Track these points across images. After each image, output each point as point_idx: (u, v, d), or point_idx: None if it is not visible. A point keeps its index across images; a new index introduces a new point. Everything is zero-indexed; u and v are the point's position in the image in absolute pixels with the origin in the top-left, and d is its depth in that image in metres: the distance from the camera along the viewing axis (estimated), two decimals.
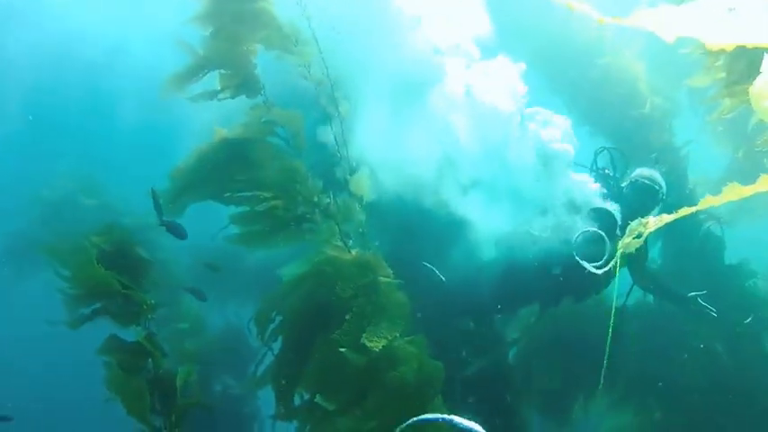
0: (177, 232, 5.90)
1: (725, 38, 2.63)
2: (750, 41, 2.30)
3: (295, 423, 5.01)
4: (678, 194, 7.97)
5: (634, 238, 3.16)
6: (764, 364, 7.64)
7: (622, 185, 6.58)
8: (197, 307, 10.47)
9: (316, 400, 4.64)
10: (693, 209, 2.85)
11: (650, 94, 8.47)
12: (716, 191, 7.91)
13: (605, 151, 6.79)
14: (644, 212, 6.34)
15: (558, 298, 6.75)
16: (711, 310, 6.64)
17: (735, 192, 2.55)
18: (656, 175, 6.45)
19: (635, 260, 6.70)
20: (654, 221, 3.13)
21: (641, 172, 6.50)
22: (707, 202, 2.69)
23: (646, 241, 6.38)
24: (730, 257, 8.16)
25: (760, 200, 8.87)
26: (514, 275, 6.38)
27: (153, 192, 5.44)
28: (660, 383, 7.89)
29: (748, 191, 2.56)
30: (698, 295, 6.72)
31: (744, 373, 7.55)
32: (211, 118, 5.90)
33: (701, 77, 5.38)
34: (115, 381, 4.72)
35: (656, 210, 6.39)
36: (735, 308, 7.70)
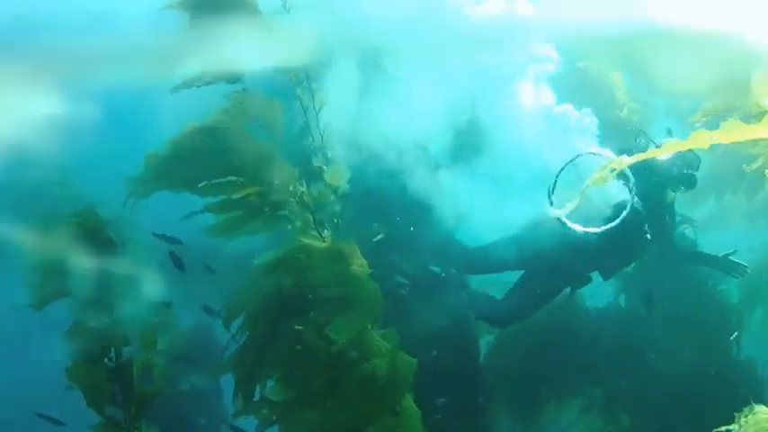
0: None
1: None
2: None
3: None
4: None
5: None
6: (733, 371, 7.56)
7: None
8: (169, 302, 10.24)
9: (272, 390, 4.43)
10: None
11: (627, 99, 8.38)
12: (692, 195, 7.69)
13: None
14: (681, 183, 6.27)
15: (589, 276, 6.64)
16: (745, 267, 6.56)
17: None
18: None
19: (663, 230, 6.55)
20: (626, 159, 3.03)
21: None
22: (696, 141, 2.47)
23: (674, 211, 6.37)
24: None
25: (731, 208, 8.83)
26: (548, 259, 6.35)
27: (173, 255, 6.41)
28: (625, 383, 7.79)
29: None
30: (730, 254, 6.62)
31: (713, 380, 7.46)
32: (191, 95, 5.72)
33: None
34: (75, 368, 4.46)
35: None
36: (706, 313, 7.64)
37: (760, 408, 2.78)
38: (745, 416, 2.75)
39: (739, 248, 6.88)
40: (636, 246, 6.20)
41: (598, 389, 8.04)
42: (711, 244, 7.38)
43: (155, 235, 6.80)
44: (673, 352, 7.72)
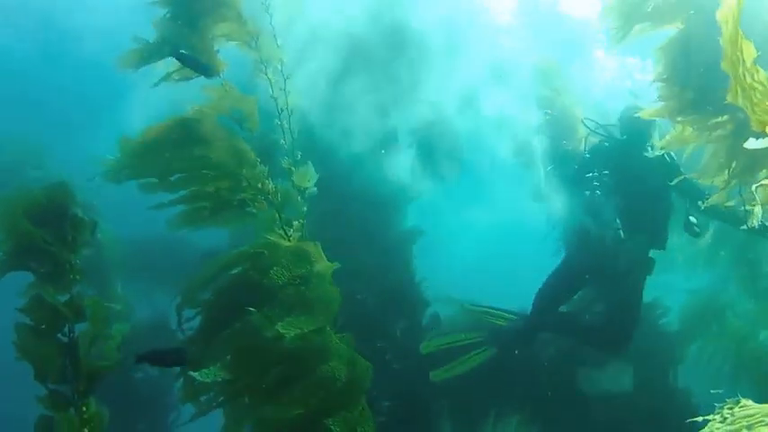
0: None
1: None
2: None
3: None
4: None
5: None
6: (670, 398, 7.57)
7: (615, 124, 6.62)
8: (126, 292, 10.06)
9: (208, 372, 4.19)
10: None
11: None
12: None
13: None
14: (641, 140, 6.29)
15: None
16: None
17: None
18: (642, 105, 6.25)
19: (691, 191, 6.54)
20: None
21: (628, 106, 6.45)
22: None
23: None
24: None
25: (672, 247, 8.85)
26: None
27: None
28: (564, 402, 7.74)
29: None
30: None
31: (650, 405, 7.46)
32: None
33: (654, 110, 5.22)
34: (26, 342, 4.21)
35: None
36: (647, 343, 7.64)
37: (746, 401, 2.61)
38: (730, 407, 2.59)
39: (679, 291, 6.90)
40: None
41: (537, 407, 7.98)
42: (651, 286, 7.39)
43: None
44: (614, 376, 7.72)
